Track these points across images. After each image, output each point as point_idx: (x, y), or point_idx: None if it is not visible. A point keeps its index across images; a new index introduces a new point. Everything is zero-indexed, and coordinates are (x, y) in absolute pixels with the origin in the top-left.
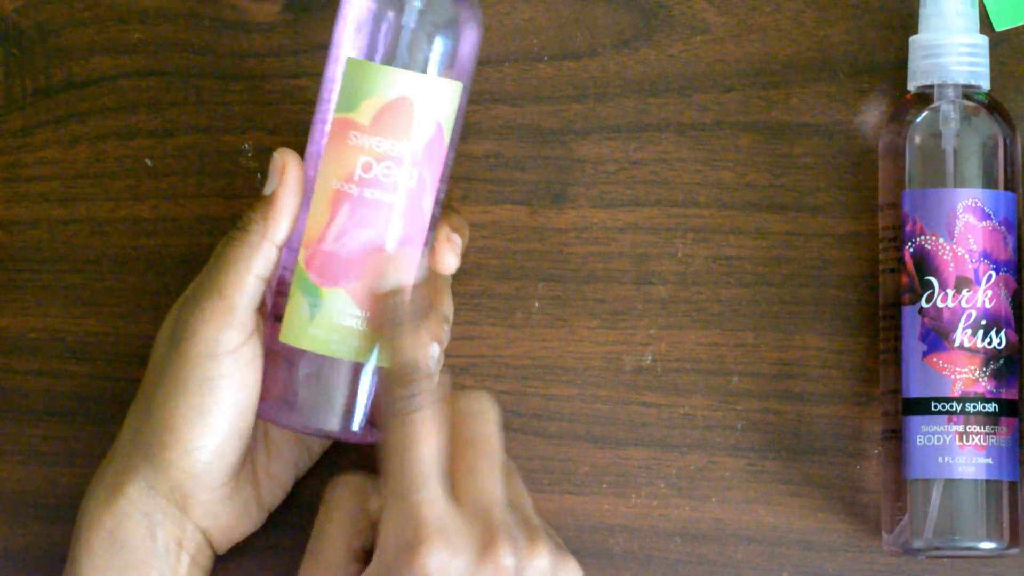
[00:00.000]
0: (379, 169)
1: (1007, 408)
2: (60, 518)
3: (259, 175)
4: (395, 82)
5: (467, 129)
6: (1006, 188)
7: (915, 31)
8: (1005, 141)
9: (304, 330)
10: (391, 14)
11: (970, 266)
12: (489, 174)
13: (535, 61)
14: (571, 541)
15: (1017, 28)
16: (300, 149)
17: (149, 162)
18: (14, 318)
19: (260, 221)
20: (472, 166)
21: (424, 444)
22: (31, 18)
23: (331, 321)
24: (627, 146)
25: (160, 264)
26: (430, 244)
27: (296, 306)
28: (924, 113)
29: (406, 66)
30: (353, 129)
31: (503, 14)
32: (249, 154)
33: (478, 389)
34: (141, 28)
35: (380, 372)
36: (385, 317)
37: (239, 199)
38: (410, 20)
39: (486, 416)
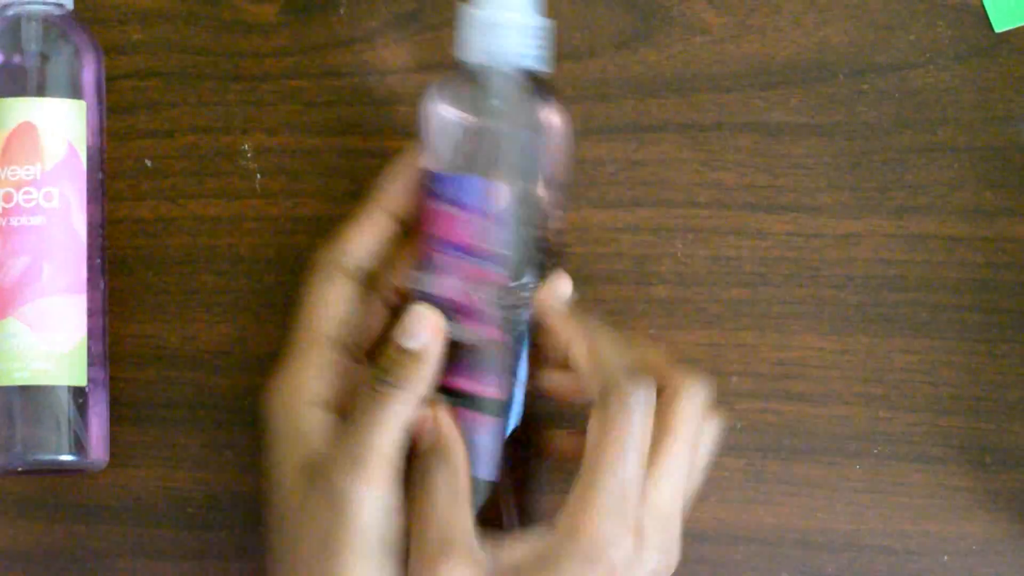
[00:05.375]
0: (19, 196)
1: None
2: (60, 518)
3: (258, 175)
4: (14, 110)
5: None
6: (491, 177)
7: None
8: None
9: None
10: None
11: (436, 252)
12: None
13: None
14: None
15: (1017, 28)
16: (301, 150)
17: (149, 162)
18: None
19: (413, 379)
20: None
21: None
22: None
23: (9, 350)
24: (626, 146)
25: (160, 264)
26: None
27: None
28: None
29: (23, 93)
30: None
31: None
32: (249, 154)
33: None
34: (141, 28)
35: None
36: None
37: (239, 199)
38: (25, 50)
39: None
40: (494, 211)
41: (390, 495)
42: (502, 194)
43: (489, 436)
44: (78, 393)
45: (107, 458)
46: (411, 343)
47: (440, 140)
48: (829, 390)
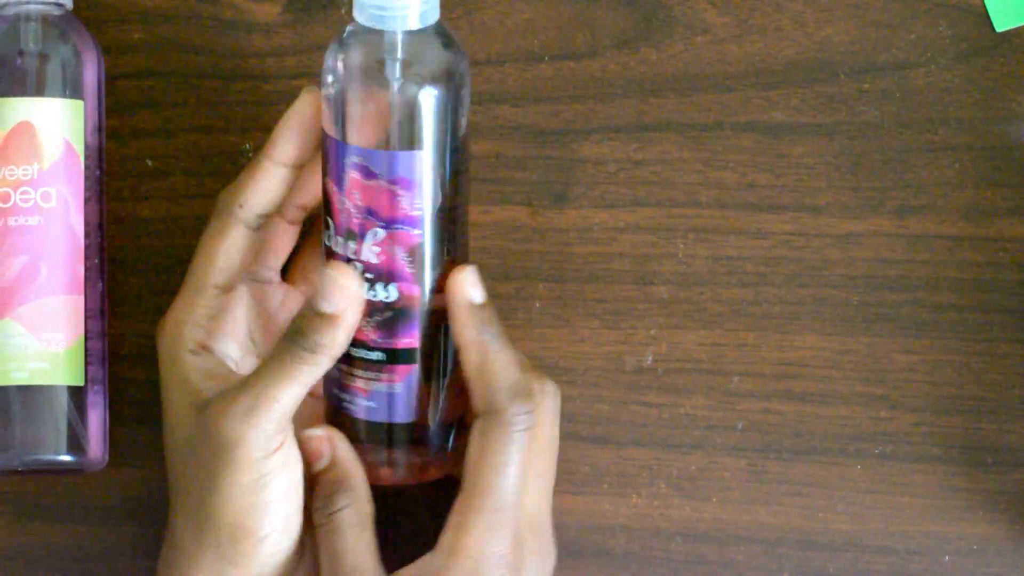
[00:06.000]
0: (17, 196)
1: (396, 356)
2: (60, 518)
3: None
4: (12, 110)
5: (468, 129)
6: (409, 146)
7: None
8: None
9: None
10: None
11: (355, 220)
12: (490, 174)
13: (535, 61)
14: (571, 541)
15: (1018, 28)
16: None
17: (149, 162)
18: None
19: (327, 344)
20: (473, 166)
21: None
22: None
23: (6, 351)
24: (628, 146)
25: (160, 264)
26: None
27: None
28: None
29: (21, 93)
30: None
31: (503, 14)
32: (249, 154)
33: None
34: (141, 28)
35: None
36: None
37: None
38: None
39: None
40: (408, 178)
41: (274, 438)
42: (415, 161)
43: (409, 384)
44: (77, 393)
45: (106, 458)
46: (327, 307)
47: (353, 113)
48: (830, 390)
